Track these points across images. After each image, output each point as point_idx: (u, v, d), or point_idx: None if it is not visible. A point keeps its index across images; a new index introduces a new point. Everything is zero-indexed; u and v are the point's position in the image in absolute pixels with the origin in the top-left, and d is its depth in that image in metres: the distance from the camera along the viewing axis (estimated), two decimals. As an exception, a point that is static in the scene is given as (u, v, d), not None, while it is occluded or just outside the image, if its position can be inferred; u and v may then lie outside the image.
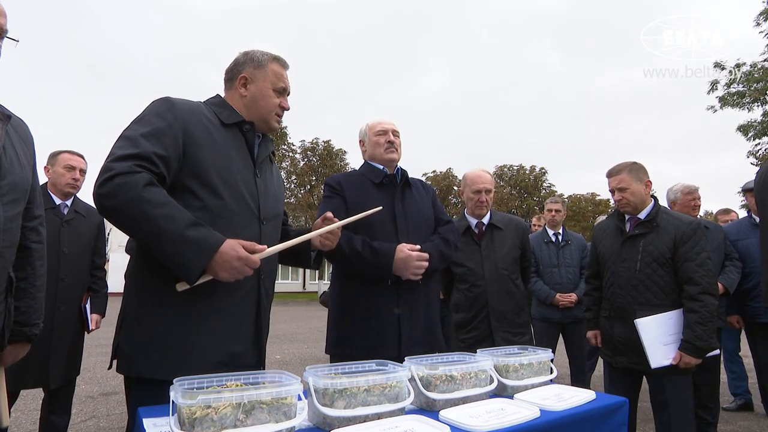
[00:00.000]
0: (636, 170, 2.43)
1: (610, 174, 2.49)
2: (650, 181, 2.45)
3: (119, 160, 1.27)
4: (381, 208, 1.79)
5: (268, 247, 1.41)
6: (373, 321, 1.93)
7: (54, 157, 2.70)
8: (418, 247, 1.94)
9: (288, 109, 1.62)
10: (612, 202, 2.64)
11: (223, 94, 1.62)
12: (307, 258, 1.76)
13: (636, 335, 2.28)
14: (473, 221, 2.72)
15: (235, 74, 1.59)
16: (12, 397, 2.38)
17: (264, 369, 1.49)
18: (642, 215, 2.41)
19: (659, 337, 2.26)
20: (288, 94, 1.64)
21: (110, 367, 1.43)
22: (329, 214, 1.66)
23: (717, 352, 2.45)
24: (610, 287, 2.46)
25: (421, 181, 2.32)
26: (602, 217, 4.54)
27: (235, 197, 1.43)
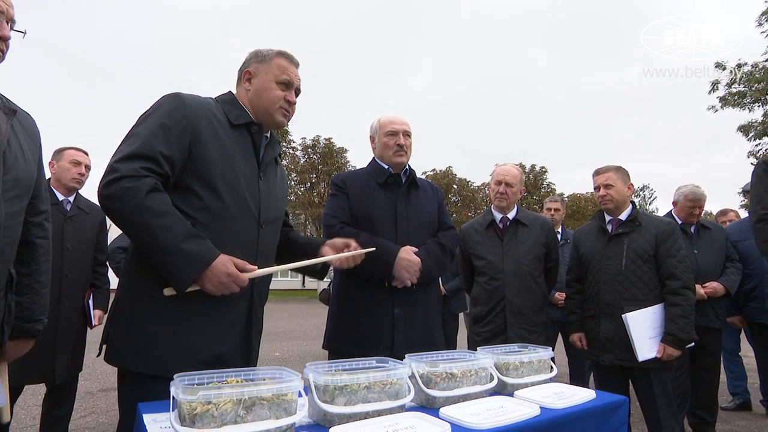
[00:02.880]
0: (622, 172, 2.61)
1: (598, 172, 2.66)
2: (632, 185, 2.65)
3: (125, 160, 1.29)
4: (375, 249, 1.77)
5: (259, 268, 1.44)
6: (367, 320, 1.94)
7: (59, 152, 2.71)
8: (416, 250, 1.94)
9: (293, 103, 1.60)
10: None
11: (234, 91, 1.62)
12: (311, 270, 1.75)
13: (623, 331, 2.37)
14: (498, 215, 2.72)
15: (241, 71, 1.60)
16: (15, 393, 2.39)
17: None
18: (623, 216, 2.57)
19: (646, 330, 2.35)
20: (297, 91, 1.61)
21: (99, 354, 1.43)
22: (354, 245, 1.68)
23: (693, 344, 2.55)
24: (596, 285, 2.53)
25: (431, 183, 2.31)
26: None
27: (237, 200, 1.43)
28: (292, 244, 1.76)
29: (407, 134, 2.10)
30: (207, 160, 1.39)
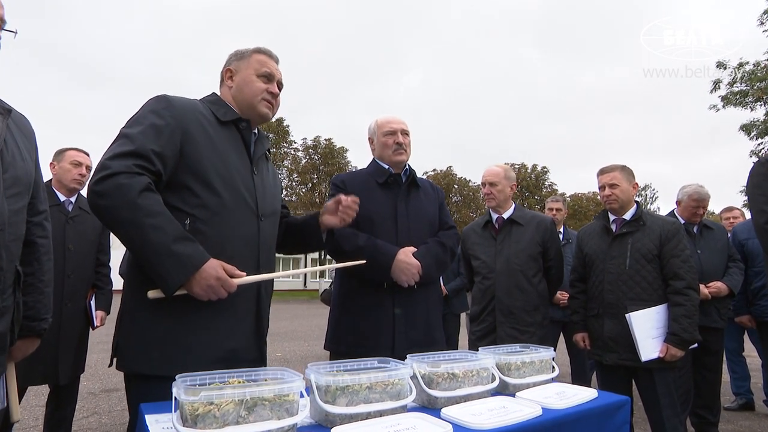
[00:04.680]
0: (627, 172, 2.60)
1: (603, 171, 2.64)
2: (637, 184, 2.64)
3: (117, 157, 1.29)
4: (365, 261, 1.78)
5: (261, 262, 1.48)
6: (368, 320, 1.94)
7: (60, 153, 2.72)
8: (414, 250, 1.94)
9: (276, 95, 1.61)
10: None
11: (219, 93, 1.64)
12: (318, 240, 1.79)
13: (626, 331, 2.37)
14: (494, 216, 2.72)
15: (222, 71, 1.63)
16: (19, 394, 2.39)
17: (266, 365, 1.50)
18: (627, 216, 2.55)
19: (649, 330, 2.34)
20: (280, 85, 1.63)
21: (111, 364, 1.43)
22: (342, 197, 1.69)
23: (696, 345, 2.54)
24: (599, 285, 2.53)
25: (431, 182, 2.31)
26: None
27: (233, 194, 1.44)
28: (291, 226, 1.79)
29: (405, 133, 2.11)
30: (199, 157, 1.40)
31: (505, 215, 2.70)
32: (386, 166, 2.11)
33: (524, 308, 2.54)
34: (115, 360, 1.41)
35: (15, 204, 1.29)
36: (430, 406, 1.31)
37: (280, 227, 1.72)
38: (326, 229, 1.78)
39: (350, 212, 1.71)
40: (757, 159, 2.13)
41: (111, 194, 1.25)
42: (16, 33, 1.34)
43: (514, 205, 2.75)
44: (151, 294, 1.29)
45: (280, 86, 1.63)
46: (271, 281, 1.61)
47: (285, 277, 1.74)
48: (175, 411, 0.97)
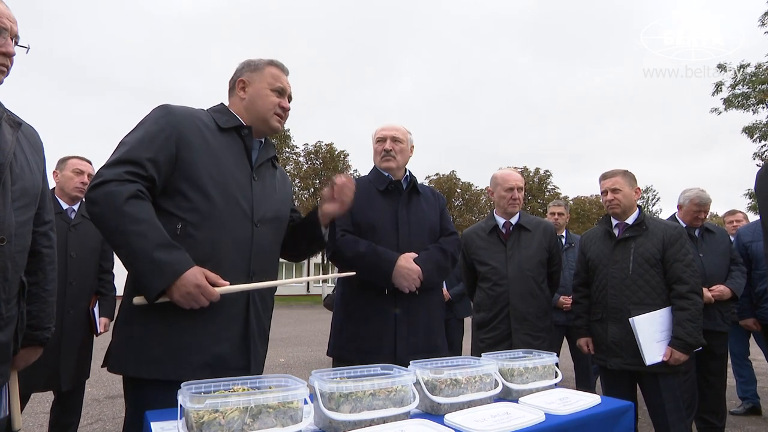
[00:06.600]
0: (629, 176, 2.62)
1: (605, 176, 2.66)
2: (639, 189, 2.67)
3: (110, 166, 1.33)
4: (354, 273, 1.76)
5: (256, 267, 1.49)
6: (370, 326, 1.95)
7: (63, 162, 2.74)
8: (415, 256, 1.95)
9: (288, 109, 1.65)
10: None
11: (227, 103, 1.66)
12: (319, 236, 1.72)
13: (630, 335, 2.37)
14: (501, 221, 2.71)
15: (234, 81, 1.65)
16: (23, 400, 2.40)
17: (251, 372, 1.47)
18: (630, 220, 2.57)
19: (653, 334, 2.35)
20: (289, 98, 1.67)
21: (103, 365, 1.45)
22: (335, 177, 1.65)
23: (701, 348, 2.54)
24: (603, 289, 2.53)
25: (432, 189, 2.32)
26: None
27: (226, 199, 1.45)
28: (294, 227, 1.76)
29: (395, 139, 2.12)
30: (194, 163, 1.42)
31: (513, 220, 2.70)
32: (386, 174, 2.12)
33: (536, 314, 2.54)
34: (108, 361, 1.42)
35: (22, 216, 1.31)
36: (433, 413, 1.31)
37: (289, 229, 1.71)
38: (328, 221, 1.71)
39: (348, 192, 1.65)
40: (761, 161, 2.12)
41: (100, 202, 1.28)
42: (28, 48, 1.37)
43: (519, 210, 2.76)
44: (136, 300, 1.31)
45: (290, 99, 1.67)
46: (270, 292, 1.61)
47: (271, 286, 1.61)
48: (180, 418, 0.98)
